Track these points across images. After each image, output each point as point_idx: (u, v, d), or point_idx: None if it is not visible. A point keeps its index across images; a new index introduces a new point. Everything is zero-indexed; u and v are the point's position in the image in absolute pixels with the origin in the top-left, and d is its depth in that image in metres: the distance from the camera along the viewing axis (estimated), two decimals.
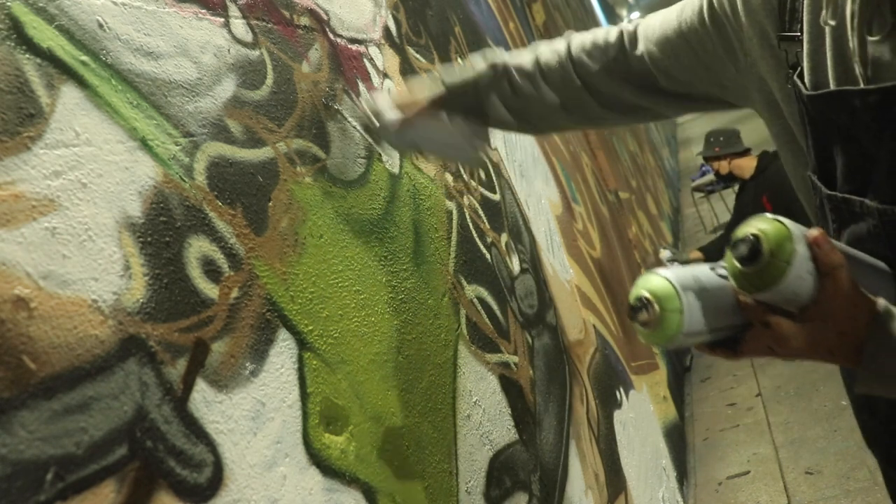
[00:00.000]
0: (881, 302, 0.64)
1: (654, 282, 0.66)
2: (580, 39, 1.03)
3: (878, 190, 0.69)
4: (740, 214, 3.40)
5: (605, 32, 1.01)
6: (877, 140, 0.68)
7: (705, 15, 0.86)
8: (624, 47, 0.98)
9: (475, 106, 1.07)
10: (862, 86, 0.68)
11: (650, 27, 0.95)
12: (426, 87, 1.10)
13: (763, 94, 0.84)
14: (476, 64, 1.08)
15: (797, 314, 0.65)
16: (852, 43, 0.69)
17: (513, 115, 1.07)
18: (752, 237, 0.62)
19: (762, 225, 0.63)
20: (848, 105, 0.69)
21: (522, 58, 1.06)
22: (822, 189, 0.76)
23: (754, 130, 3.15)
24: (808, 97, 0.73)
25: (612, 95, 1.00)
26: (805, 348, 0.66)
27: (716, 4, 0.85)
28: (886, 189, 0.69)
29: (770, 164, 3.38)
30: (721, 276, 0.68)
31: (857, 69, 0.69)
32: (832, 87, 0.72)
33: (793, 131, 0.81)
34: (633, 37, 0.97)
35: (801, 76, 0.75)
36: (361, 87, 1.23)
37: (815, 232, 0.63)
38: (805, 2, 0.74)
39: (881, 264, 0.72)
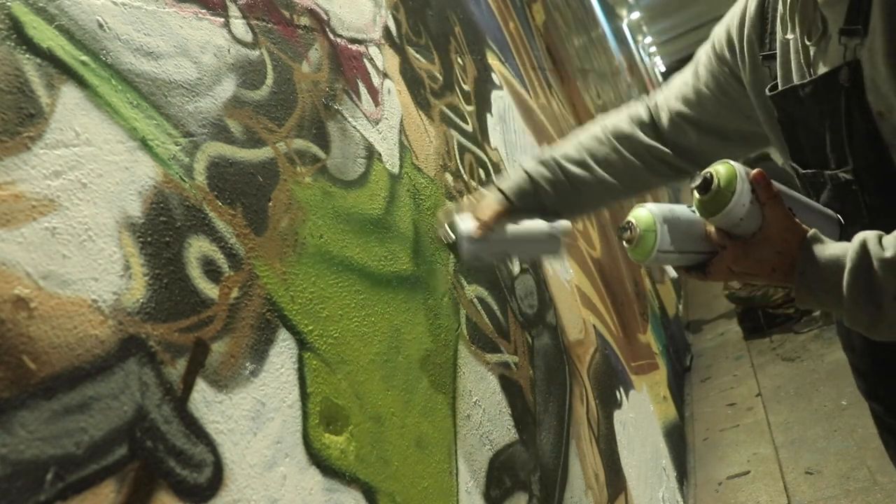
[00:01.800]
0: (812, 230, 0.80)
1: (639, 211, 0.85)
2: (614, 123, 1.15)
3: (831, 161, 0.88)
4: None
5: (636, 112, 1.15)
6: (821, 122, 0.86)
7: (713, 59, 1.04)
8: (653, 122, 1.13)
9: (538, 206, 1.12)
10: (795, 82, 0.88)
11: (671, 92, 1.11)
12: (490, 197, 1.12)
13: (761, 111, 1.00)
14: (524, 163, 1.15)
15: (748, 238, 0.82)
16: (800, 50, 0.88)
17: (568, 203, 1.14)
18: (707, 173, 0.81)
19: (717, 165, 0.81)
20: (796, 98, 0.89)
21: (566, 148, 1.15)
22: (798, 170, 0.95)
23: None
24: (771, 98, 0.93)
25: (658, 160, 1.13)
26: (754, 265, 0.82)
27: (717, 47, 1.03)
28: (833, 159, 0.87)
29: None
30: (695, 212, 0.86)
31: (805, 70, 0.88)
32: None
33: (775, 134, 0.99)
34: (657, 108, 1.13)
35: (774, 86, 0.93)
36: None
37: (754, 171, 0.81)
38: (778, 25, 0.92)
39: (828, 211, 0.89)
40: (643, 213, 0.84)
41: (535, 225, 1.09)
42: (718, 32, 1.03)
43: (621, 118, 1.16)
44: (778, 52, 0.92)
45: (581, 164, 1.12)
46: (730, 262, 0.84)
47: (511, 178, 1.13)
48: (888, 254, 0.73)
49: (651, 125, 1.13)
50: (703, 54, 1.06)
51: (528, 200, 1.11)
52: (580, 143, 1.15)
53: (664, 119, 1.11)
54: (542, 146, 2.47)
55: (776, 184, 0.83)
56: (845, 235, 0.82)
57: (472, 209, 1.09)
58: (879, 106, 0.80)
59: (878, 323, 0.76)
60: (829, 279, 0.77)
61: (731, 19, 1.01)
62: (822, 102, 0.85)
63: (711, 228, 0.84)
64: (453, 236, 1.04)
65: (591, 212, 1.28)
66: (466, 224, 1.04)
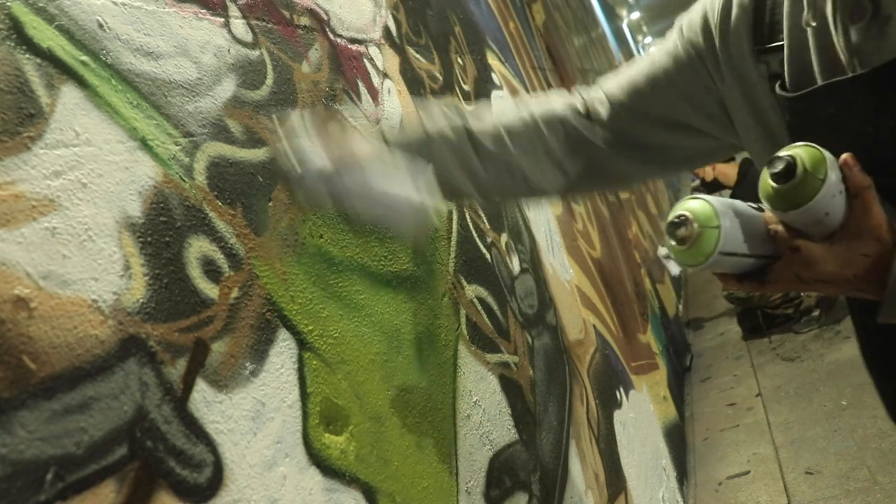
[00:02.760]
0: None
1: (692, 203, 0.69)
2: (545, 108, 0.98)
3: (887, 165, 0.71)
4: None
5: (571, 101, 0.97)
6: (874, 121, 0.71)
7: (681, 50, 0.88)
8: (588, 115, 0.95)
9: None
10: (860, 71, 0.70)
11: (612, 84, 0.94)
12: (364, 139, 0.92)
13: (742, 114, 0.85)
14: (428, 119, 0.96)
15: (825, 239, 0.67)
16: (836, 37, 0.72)
17: (473, 182, 0.96)
18: (788, 156, 0.65)
19: (797, 149, 0.66)
20: (838, 95, 0.72)
21: (483, 122, 0.97)
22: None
23: None
24: (790, 100, 0.76)
25: (586, 157, 0.95)
26: (832, 270, 0.67)
27: (685, 39, 0.87)
28: (894, 162, 0.71)
29: (750, 169, 3.45)
30: (753, 208, 0.71)
31: (845, 60, 0.72)
32: (819, 83, 0.74)
33: (774, 142, 0.82)
34: (592, 103, 0.95)
35: (782, 85, 0.77)
36: (355, 90, 1.23)
37: (846, 155, 0.66)
38: (785, 12, 0.77)
39: None
40: (700, 206, 0.69)
41: (400, 176, 0.86)
42: (689, 17, 0.88)
43: (553, 104, 0.97)
44: (786, 42, 0.76)
45: (497, 140, 0.95)
46: (799, 268, 0.69)
47: (404, 133, 0.96)
48: None
49: (586, 118, 0.95)
50: (669, 41, 0.90)
51: (410, 153, 0.91)
52: (499, 121, 0.97)
53: (603, 113, 0.94)
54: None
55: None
56: None
57: (329, 136, 0.87)
58: None
59: None
60: None
61: (709, 4, 0.85)
62: (886, 96, 0.70)
63: (779, 227, 0.70)
64: (299, 168, 0.82)
65: (495, 200, 1.09)
66: (319, 156, 0.82)
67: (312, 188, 0.82)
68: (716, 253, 0.68)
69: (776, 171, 0.66)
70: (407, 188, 0.85)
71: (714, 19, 0.83)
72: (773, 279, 0.72)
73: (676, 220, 0.69)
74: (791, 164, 0.65)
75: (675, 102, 0.90)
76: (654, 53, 0.92)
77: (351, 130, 0.92)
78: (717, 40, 0.83)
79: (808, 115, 0.76)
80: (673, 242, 0.70)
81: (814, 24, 0.73)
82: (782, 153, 0.66)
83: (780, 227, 0.70)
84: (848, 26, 0.71)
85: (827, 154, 0.65)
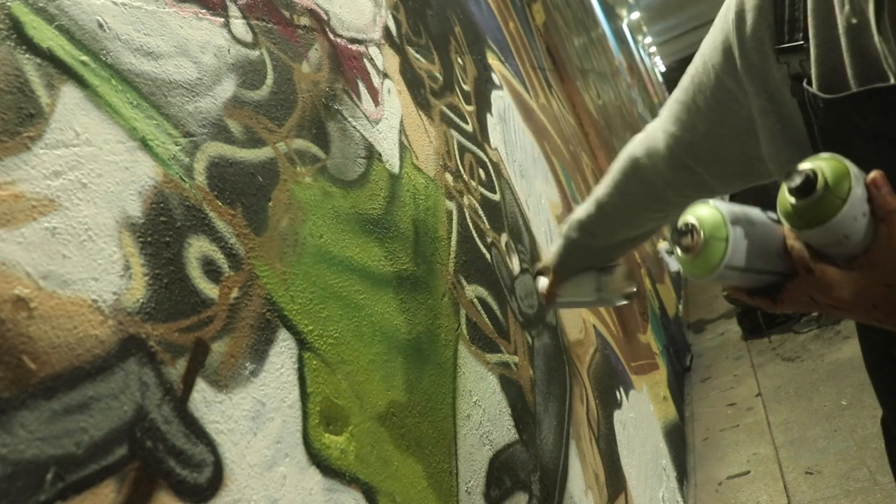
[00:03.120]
0: None
1: (702, 209, 0.64)
2: (629, 152, 1.06)
3: None
4: None
5: (646, 139, 1.02)
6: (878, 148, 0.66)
7: (707, 64, 0.85)
8: (654, 147, 0.99)
9: (584, 261, 1.24)
10: (893, 82, 0.65)
11: (665, 113, 0.96)
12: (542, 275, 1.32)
13: (770, 121, 0.81)
14: (556, 241, 1.26)
15: (844, 263, 0.62)
16: (878, 40, 0.65)
17: (608, 241, 1.18)
18: (809, 170, 0.59)
19: (820, 161, 0.60)
20: (878, 103, 0.66)
21: (583, 208, 1.17)
22: None
23: None
24: (825, 102, 0.69)
25: (665, 188, 1.01)
26: (849, 299, 0.63)
27: (710, 48, 0.84)
28: None
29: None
30: (772, 219, 0.66)
31: (887, 66, 0.65)
32: (853, 88, 0.68)
33: (800, 149, 0.78)
34: (654, 133, 0.99)
35: (809, 85, 0.72)
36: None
37: (875, 173, 0.60)
38: (809, 9, 0.71)
39: None
40: (708, 213, 0.63)
41: (582, 290, 1.24)
42: (712, 37, 0.85)
43: (636, 146, 1.04)
44: (813, 42, 0.70)
45: (598, 214, 1.14)
46: (815, 291, 0.65)
47: (551, 250, 1.28)
48: None
49: (655, 151, 0.99)
50: (694, 64, 0.89)
51: (571, 261, 1.24)
52: (597, 198, 1.14)
53: (661, 144, 0.96)
54: (538, 139, 2.47)
55: None
56: None
57: (541, 285, 1.32)
58: None
59: None
60: None
61: (724, 11, 0.82)
62: None
63: (797, 244, 0.65)
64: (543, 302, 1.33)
65: (634, 240, 1.24)
66: (540, 290, 1.31)
67: (545, 309, 1.39)
68: (722, 266, 0.63)
69: (794, 184, 0.59)
70: (586, 282, 1.24)
71: (731, 31, 0.80)
72: (786, 298, 0.68)
73: (683, 227, 0.65)
74: (811, 179, 0.59)
75: (710, 129, 0.88)
76: (684, 81, 0.90)
77: (542, 279, 1.33)
78: (736, 51, 0.80)
79: (843, 120, 0.70)
80: (678, 250, 0.65)
81: (854, 21, 0.66)
82: (803, 165, 0.60)
83: (797, 245, 0.65)
84: (886, 24, 0.64)
85: (853, 169, 0.59)
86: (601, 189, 1.12)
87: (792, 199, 0.60)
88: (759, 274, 0.66)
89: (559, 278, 1.27)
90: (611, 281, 1.22)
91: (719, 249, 0.62)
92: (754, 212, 0.66)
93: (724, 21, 0.81)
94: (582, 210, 1.18)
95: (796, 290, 0.66)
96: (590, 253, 1.21)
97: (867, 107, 0.67)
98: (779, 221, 0.65)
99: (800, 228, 0.62)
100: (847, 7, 0.67)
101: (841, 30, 0.68)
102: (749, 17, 0.77)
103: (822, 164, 0.59)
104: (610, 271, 1.23)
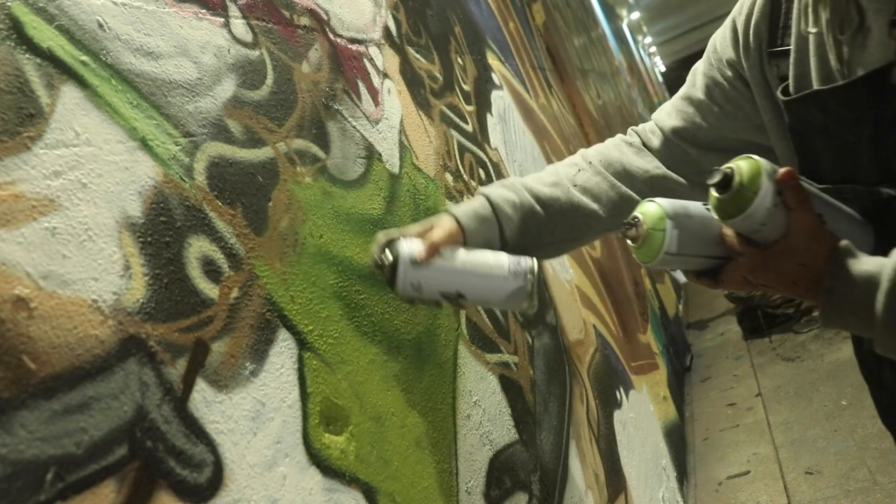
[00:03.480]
0: (843, 241, 0.70)
1: (647, 206, 0.76)
2: (596, 149, 1.04)
3: (866, 175, 0.76)
4: None
5: (623, 138, 1.05)
6: (854, 130, 0.75)
7: (713, 62, 0.92)
8: (644, 145, 1.02)
9: (497, 236, 0.95)
10: (839, 82, 0.75)
11: (662, 112, 1.01)
12: (441, 219, 0.93)
13: (768, 116, 0.89)
14: (484, 188, 0.99)
15: (767, 247, 0.73)
16: (829, 46, 0.76)
17: (537, 234, 0.98)
18: (727, 168, 0.71)
19: (739, 160, 0.72)
20: (822, 103, 0.76)
21: (537, 175, 1.02)
22: (814, 185, 0.80)
23: None
24: (784, 103, 0.80)
25: (645, 184, 1.00)
26: (773, 278, 0.74)
27: (718, 47, 0.91)
28: (872, 172, 0.75)
29: None
30: (710, 211, 0.76)
31: (835, 68, 0.75)
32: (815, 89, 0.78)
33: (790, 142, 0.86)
34: (645, 132, 1.03)
35: (785, 87, 0.81)
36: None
37: (783, 170, 0.71)
38: (794, 17, 0.80)
39: (861, 219, 0.78)
40: (651, 209, 0.75)
41: (494, 257, 0.88)
42: (721, 30, 0.92)
43: (604, 145, 1.05)
44: (792, 48, 0.80)
45: (555, 185, 0.98)
46: (746, 272, 0.75)
47: (467, 203, 0.96)
48: None
49: (640, 149, 1.01)
50: (701, 61, 0.95)
51: (485, 228, 0.93)
52: (554, 168, 1.03)
53: (655, 141, 0.99)
54: (538, 139, 2.47)
55: (807, 184, 0.74)
56: (881, 251, 0.71)
57: (419, 233, 0.91)
58: None
59: None
60: (859, 299, 0.68)
61: (737, 12, 0.88)
62: (861, 108, 0.73)
63: (728, 232, 0.75)
64: (391, 258, 0.86)
65: (562, 247, 1.03)
66: (410, 245, 0.86)
67: (403, 276, 0.86)
68: (662, 253, 0.74)
69: (714, 181, 0.71)
70: (491, 262, 0.88)
71: (740, 26, 0.87)
72: (725, 279, 0.78)
73: (630, 220, 0.77)
74: (728, 176, 0.70)
75: (720, 122, 0.93)
76: (694, 74, 0.97)
77: (439, 222, 0.92)
78: (741, 46, 0.87)
79: (802, 119, 0.80)
80: (627, 241, 0.78)
81: (813, 30, 0.77)
82: (726, 165, 0.72)
83: (729, 232, 0.75)
84: (838, 37, 0.75)
85: (767, 167, 0.70)
86: (564, 168, 1.02)
87: (716, 194, 0.72)
88: (700, 258, 0.78)
89: (458, 237, 0.91)
90: (527, 264, 0.89)
91: (658, 239, 0.74)
92: (694, 206, 0.77)
93: (738, 9, 0.88)
94: (537, 175, 1.02)
95: (731, 272, 0.77)
96: (511, 228, 0.95)
97: (813, 107, 0.77)
98: None
99: (724, 219, 0.73)
100: (811, 17, 0.77)
101: (811, 39, 0.78)
102: (755, 16, 0.85)
103: (739, 164, 0.71)
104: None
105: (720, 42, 0.92)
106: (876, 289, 0.66)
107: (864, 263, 0.68)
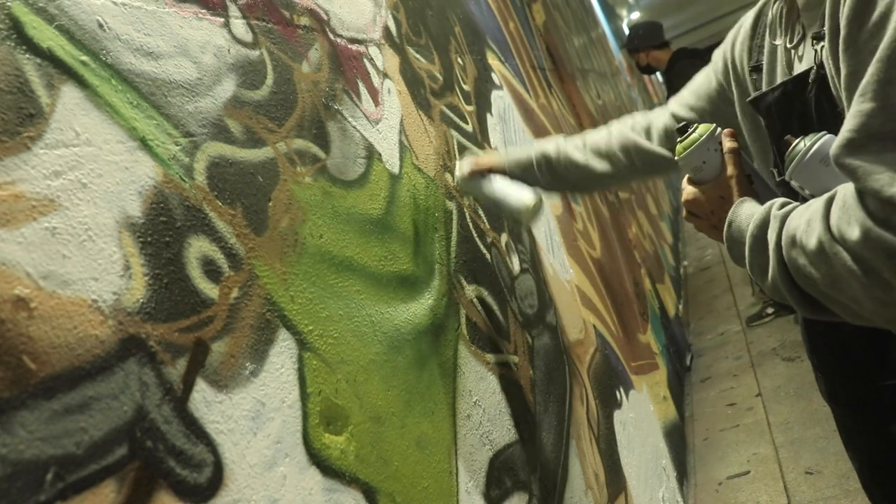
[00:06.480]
0: (755, 195, 0.89)
1: (702, 125, 0.98)
2: (620, 129, 1.33)
3: (777, 165, 0.97)
4: None
5: (640, 122, 1.32)
6: (784, 130, 0.91)
7: (711, 71, 1.15)
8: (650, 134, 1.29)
9: (531, 178, 1.39)
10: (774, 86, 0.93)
11: (672, 104, 1.25)
12: (496, 154, 1.46)
13: (747, 121, 1.08)
14: (535, 148, 1.40)
15: (704, 184, 0.94)
16: (780, 55, 0.95)
17: (562, 183, 1.40)
18: (689, 122, 0.98)
19: (702, 124, 0.96)
20: (761, 106, 0.96)
21: (573, 141, 1.38)
22: (776, 178, 1.00)
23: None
24: (750, 103, 0.98)
25: (650, 165, 1.30)
26: (699, 202, 0.95)
27: (715, 61, 1.13)
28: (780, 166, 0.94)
29: (678, 62, 3.65)
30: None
31: (787, 75, 0.92)
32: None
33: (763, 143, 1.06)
34: (657, 119, 1.28)
35: (757, 97, 0.98)
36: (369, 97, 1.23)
37: (726, 129, 0.95)
38: (767, 33, 0.98)
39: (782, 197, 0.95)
40: (704, 127, 0.97)
41: (510, 191, 1.36)
42: (716, 53, 1.13)
43: (625, 126, 1.33)
44: (765, 60, 0.98)
45: (582, 151, 1.35)
46: (687, 203, 0.97)
47: (518, 150, 1.43)
48: (782, 210, 0.79)
49: (647, 132, 1.29)
50: (713, 63, 1.15)
51: (523, 171, 1.39)
52: (587, 139, 1.36)
53: (654, 134, 1.27)
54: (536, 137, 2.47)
55: (748, 161, 0.94)
56: None
57: (479, 159, 1.43)
58: (839, 105, 0.82)
59: (765, 274, 0.80)
60: (742, 231, 0.85)
61: (731, 35, 1.09)
62: (795, 105, 0.90)
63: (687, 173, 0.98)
64: (457, 172, 1.44)
65: (576, 191, 1.56)
66: (465, 164, 1.44)
67: (457, 181, 1.45)
68: (693, 149, 0.95)
69: (678, 128, 0.98)
70: (506, 193, 1.36)
71: (728, 48, 1.08)
72: (682, 199, 0.99)
73: (688, 124, 0.99)
74: (688, 127, 0.96)
75: (721, 109, 1.14)
76: (706, 69, 1.18)
77: (493, 154, 1.46)
78: (729, 57, 1.08)
79: (755, 119, 1.02)
80: (676, 134, 1.00)
81: (777, 43, 0.96)
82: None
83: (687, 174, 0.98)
84: (788, 46, 0.93)
85: (717, 129, 0.95)
86: (595, 141, 1.34)
87: (678, 138, 0.97)
88: (694, 171, 0.99)
89: (500, 168, 1.40)
90: (526, 200, 1.33)
91: (695, 141, 0.96)
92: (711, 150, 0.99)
93: (730, 35, 1.10)
94: (573, 140, 1.38)
95: (684, 195, 0.98)
96: (543, 176, 1.38)
97: (759, 110, 0.97)
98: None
99: (677, 156, 0.96)
100: (776, 31, 0.96)
101: (778, 50, 0.96)
102: (740, 37, 1.05)
103: (701, 124, 0.96)
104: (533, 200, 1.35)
105: (721, 49, 1.11)
106: (750, 220, 0.84)
107: (756, 207, 0.85)
